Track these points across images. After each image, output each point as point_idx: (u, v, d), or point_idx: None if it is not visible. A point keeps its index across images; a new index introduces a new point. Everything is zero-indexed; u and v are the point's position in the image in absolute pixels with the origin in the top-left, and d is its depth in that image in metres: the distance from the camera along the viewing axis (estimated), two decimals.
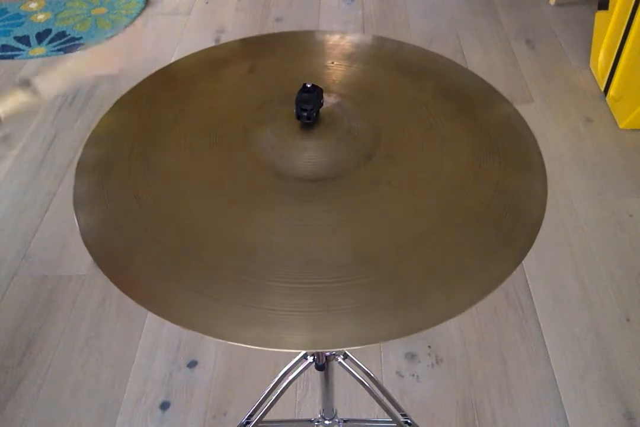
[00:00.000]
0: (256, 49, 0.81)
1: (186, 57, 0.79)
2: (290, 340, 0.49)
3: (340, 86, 0.74)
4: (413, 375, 1.31)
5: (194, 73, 0.77)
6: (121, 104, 0.72)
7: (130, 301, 0.52)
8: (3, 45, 2.32)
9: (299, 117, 0.65)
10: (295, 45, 0.81)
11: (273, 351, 1.36)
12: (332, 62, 0.77)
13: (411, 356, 1.34)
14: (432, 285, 0.53)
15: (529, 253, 0.55)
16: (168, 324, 1.40)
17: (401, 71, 0.76)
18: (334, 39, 0.81)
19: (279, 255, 0.55)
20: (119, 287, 0.52)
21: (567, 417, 1.23)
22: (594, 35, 2.09)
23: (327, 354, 0.86)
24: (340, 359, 0.94)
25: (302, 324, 0.50)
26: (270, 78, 0.76)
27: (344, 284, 0.53)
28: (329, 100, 0.70)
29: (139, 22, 2.46)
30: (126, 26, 2.42)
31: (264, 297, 0.52)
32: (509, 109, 0.70)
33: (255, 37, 0.83)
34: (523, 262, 1.45)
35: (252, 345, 0.49)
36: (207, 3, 2.57)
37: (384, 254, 0.55)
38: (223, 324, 0.50)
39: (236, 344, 0.49)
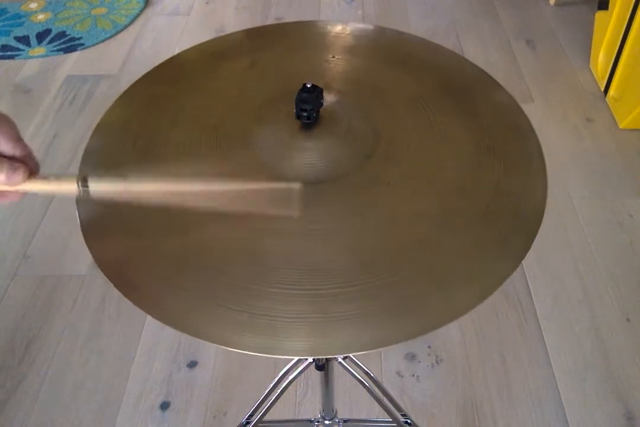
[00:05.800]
0: (257, 42, 0.80)
1: (187, 50, 0.78)
2: (289, 347, 0.49)
3: (341, 83, 0.73)
4: (413, 375, 1.31)
5: (194, 68, 0.76)
6: (121, 102, 0.72)
7: (130, 301, 0.52)
8: (3, 45, 2.32)
9: (298, 117, 0.65)
10: (296, 38, 0.81)
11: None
12: (333, 57, 0.77)
13: (411, 356, 1.34)
14: (432, 288, 0.52)
15: (529, 253, 0.54)
16: None
17: (402, 64, 0.75)
18: (335, 30, 0.81)
19: (278, 259, 0.55)
20: (118, 288, 0.52)
21: (567, 417, 1.23)
22: (594, 35, 2.09)
23: None
24: (340, 359, 0.94)
25: (301, 330, 0.50)
26: (270, 74, 0.75)
27: (343, 289, 0.52)
28: (328, 98, 0.69)
29: (139, 22, 2.46)
30: (126, 26, 2.42)
31: (263, 302, 0.51)
32: (508, 98, 0.70)
33: (256, 28, 0.82)
34: (523, 262, 1.45)
35: (250, 351, 0.48)
36: (207, 3, 2.57)
37: (383, 257, 0.54)
38: (222, 329, 0.50)
39: (234, 350, 0.48)
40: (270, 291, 0.52)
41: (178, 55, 0.78)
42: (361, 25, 0.81)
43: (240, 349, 0.48)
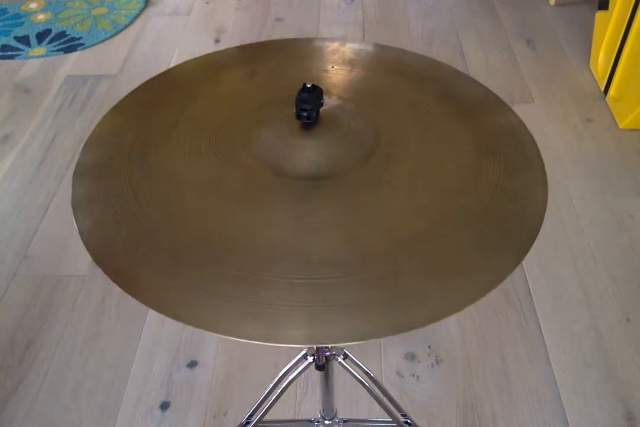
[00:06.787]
0: (255, 54, 0.81)
1: (186, 63, 0.79)
2: (289, 335, 0.50)
3: (341, 89, 0.74)
4: (413, 375, 1.31)
5: (194, 77, 0.77)
6: (121, 105, 0.72)
7: (130, 301, 0.52)
8: (3, 45, 2.32)
9: (298, 117, 0.65)
10: (294, 51, 0.82)
11: (273, 351, 1.36)
12: (332, 67, 0.78)
13: (411, 356, 1.34)
14: (430, 282, 0.53)
15: (529, 253, 0.55)
16: (168, 324, 1.40)
17: (401, 74, 0.76)
18: (333, 45, 0.82)
19: (278, 252, 0.55)
20: (119, 285, 0.53)
21: (567, 417, 1.23)
22: (594, 35, 2.10)
23: (327, 354, 0.86)
24: (340, 359, 0.94)
25: (301, 319, 0.50)
26: (270, 82, 0.76)
27: (342, 280, 0.53)
28: (329, 102, 0.70)
29: (139, 22, 2.46)
30: (126, 26, 2.42)
31: (263, 293, 0.52)
32: (512, 117, 0.70)
33: (255, 43, 0.83)
34: (523, 262, 1.45)
35: (250, 340, 0.49)
36: (207, 3, 2.57)
37: (383, 253, 0.55)
38: (222, 320, 0.51)
39: (235, 338, 0.49)
40: (271, 281, 0.53)
41: (176, 67, 0.79)
42: (360, 42, 0.82)
43: (241, 338, 0.49)
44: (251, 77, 0.76)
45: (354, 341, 0.49)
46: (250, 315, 0.51)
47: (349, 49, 0.81)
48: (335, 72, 0.77)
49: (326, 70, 0.77)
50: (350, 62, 0.78)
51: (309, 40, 0.84)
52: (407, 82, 0.75)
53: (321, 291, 0.52)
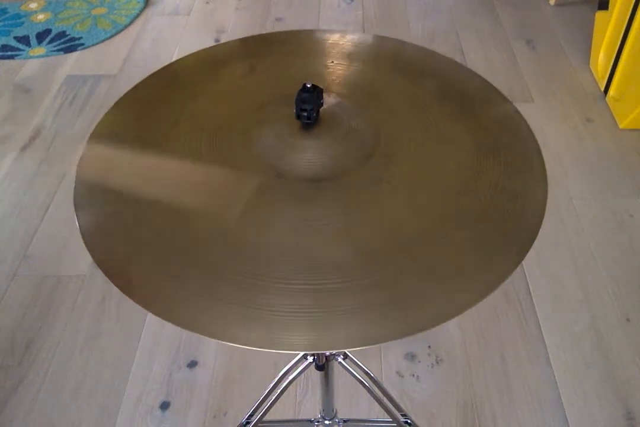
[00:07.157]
0: (256, 48, 0.81)
1: (186, 57, 0.79)
2: (290, 341, 0.49)
3: (340, 86, 0.74)
4: (413, 375, 1.31)
5: (194, 73, 0.77)
6: (121, 104, 0.72)
7: (130, 301, 0.52)
8: (3, 45, 2.32)
9: (298, 117, 0.65)
10: (294, 45, 0.81)
11: (273, 351, 1.36)
12: (332, 62, 0.77)
13: (411, 356, 1.34)
14: (432, 285, 0.53)
15: (529, 253, 0.54)
16: (168, 324, 1.40)
17: (401, 71, 0.76)
18: (333, 38, 0.81)
19: (279, 255, 0.55)
20: (119, 287, 0.52)
21: (567, 417, 1.23)
22: (594, 35, 2.09)
23: (327, 354, 0.86)
24: (340, 359, 0.94)
25: (302, 325, 0.50)
26: (270, 78, 0.76)
27: (343, 284, 0.52)
28: (328, 100, 0.70)
29: (139, 22, 2.46)
30: (126, 26, 2.42)
31: (264, 297, 0.52)
32: (510, 108, 0.70)
33: (254, 36, 0.83)
34: (523, 262, 1.45)
35: (251, 346, 0.49)
36: (207, 3, 2.57)
37: (383, 254, 0.55)
38: (223, 325, 0.50)
39: (235, 345, 0.49)
40: (271, 286, 0.53)
41: (176, 62, 0.78)
42: (360, 34, 0.82)
43: (242, 345, 0.49)
44: (251, 73, 0.76)
45: (356, 347, 0.49)
46: (250, 320, 0.50)
47: (349, 42, 0.80)
48: (335, 68, 0.76)
49: (326, 66, 0.77)
50: (349, 57, 0.78)
51: (310, 31, 0.83)
52: (407, 76, 0.75)
53: (322, 296, 0.52)
